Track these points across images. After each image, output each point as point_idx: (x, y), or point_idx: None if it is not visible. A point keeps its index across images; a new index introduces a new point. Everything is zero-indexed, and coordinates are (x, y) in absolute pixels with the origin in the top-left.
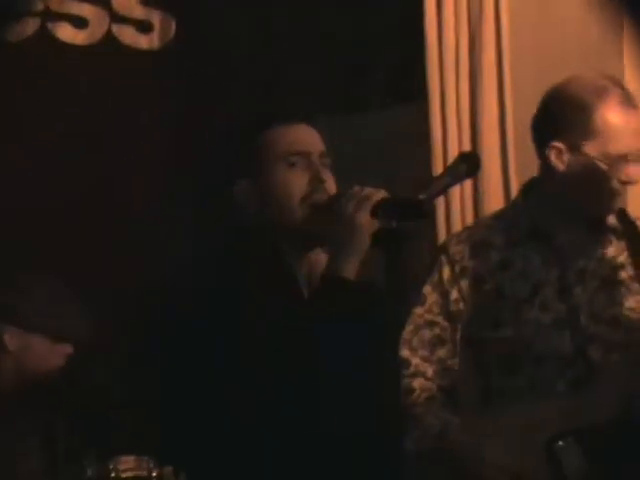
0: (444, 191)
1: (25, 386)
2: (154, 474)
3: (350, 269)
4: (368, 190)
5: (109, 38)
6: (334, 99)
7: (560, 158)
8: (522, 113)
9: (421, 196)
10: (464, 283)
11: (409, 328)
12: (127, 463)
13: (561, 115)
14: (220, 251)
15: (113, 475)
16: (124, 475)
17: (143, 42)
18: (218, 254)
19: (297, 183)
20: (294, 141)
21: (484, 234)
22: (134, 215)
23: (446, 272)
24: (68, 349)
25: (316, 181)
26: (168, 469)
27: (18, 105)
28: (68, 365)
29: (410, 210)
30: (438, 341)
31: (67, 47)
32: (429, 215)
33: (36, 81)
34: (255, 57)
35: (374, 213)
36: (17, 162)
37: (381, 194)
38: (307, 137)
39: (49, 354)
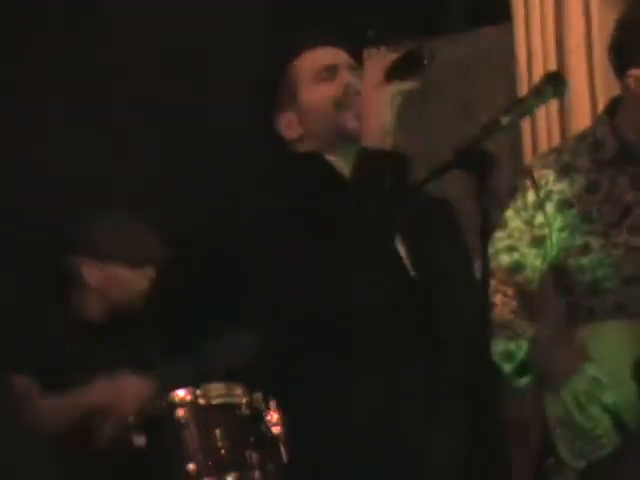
0: (529, 112)
1: (114, 314)
2: (244, 401)
3: (370, 139)
4: (372, 63)
5: None
6: (415, 23)
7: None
8: (609, 30)
9: (506, 117)
10: (549, 207)
11: (488, 251)
12: (217, 389)
13: (634, 42)
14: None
15: (203, 402)
16: (214, 402)
17: None
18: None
19: (329, 94)
20: (318, 58)
21: (569, 157)
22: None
23: (530, 196)
24: (150, 272)
25: (346, 87)
26: (257, 395)
27: (106, 39)
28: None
29: (414, 60)
30: (517, 266)
31: None
32: (433, 58)
33: (115, 18)
34: None
35: (389, 79)
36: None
37: (387, 59)
38: (332, 53)
39: (131, 280)
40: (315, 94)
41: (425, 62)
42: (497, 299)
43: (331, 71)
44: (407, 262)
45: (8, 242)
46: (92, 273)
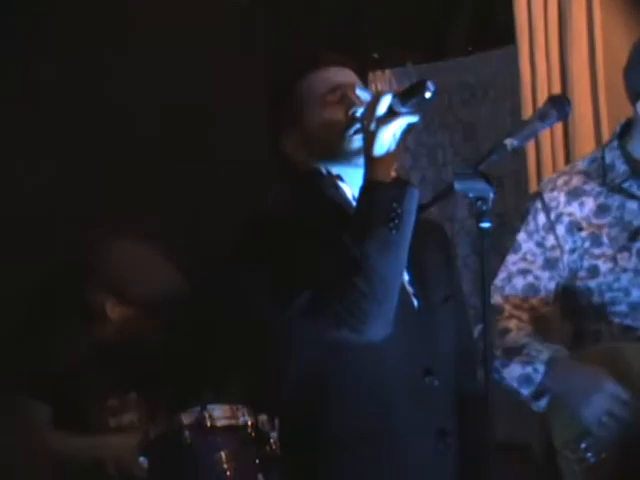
0: (534, 135)
1: (124, 345)
2: (249, 423)
3: (375, 172)
4: (376, 96)
5: None
6: (419, 47)
7: None
8: (613, 54)
9: (510, 140)
10: (560, 230)
11: (501, 275)
12: (223, 411)
13: None
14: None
15: (208, 424)
16: (219, 424)
17: None
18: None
19: (335, 117)
20: (326, 80)
21: (580, 180)
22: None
23: (541, 219)
24: (171, 312)
25: (353, 112)
26: (262, 417)
27: (108, 53)
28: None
29: (418, 93)
30: (531, 289)
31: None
32: (437, 91)
33: (126, 30)
34: (341, 8)
35: (392, 112)
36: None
37: (390, 92)
38: (338, 74)
39: (149, 328)
40: (321, 117)
41: (429, 96)
42: (512, 324)
43: (337, 92)
44: (410, 289)
45: (28, 266)
46: (115, 310)
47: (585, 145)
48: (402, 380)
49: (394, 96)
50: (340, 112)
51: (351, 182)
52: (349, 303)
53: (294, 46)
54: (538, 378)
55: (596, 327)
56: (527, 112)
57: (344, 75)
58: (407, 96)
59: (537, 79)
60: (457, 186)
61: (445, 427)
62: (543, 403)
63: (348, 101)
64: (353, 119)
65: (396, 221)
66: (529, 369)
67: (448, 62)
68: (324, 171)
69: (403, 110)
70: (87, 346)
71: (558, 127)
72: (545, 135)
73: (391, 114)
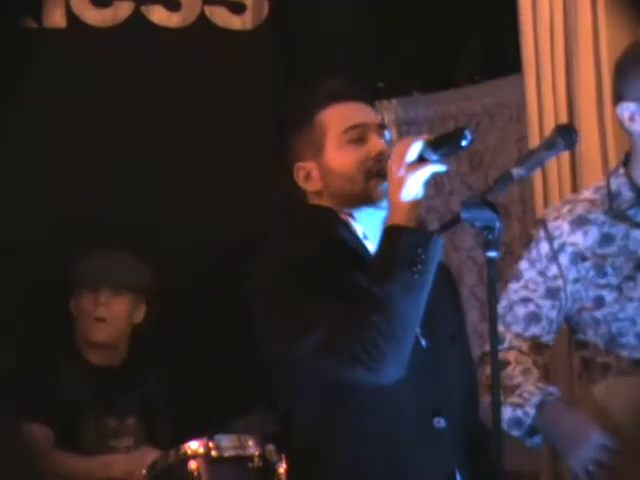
0: (541, 165)
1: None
2: (256, 453)
3: (400, 217)
4: (405, 140)
5: (202, 20)
6: (426, 76)
7: (633, 119)
8: None
9: (517, 170)
10: (563, 259)
11: (503, 303)
12: (230, 442)
13: (623, 77)
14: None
15: (215, 454)
16: (227, 454)
17: (236, 23)
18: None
19: (359, 160)
20: (347, 116)
21: (584, 209)
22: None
23: (544, 248)
24: (128, 301)
25: (377, 155)
26: (270, 447)
27: (112, 88)
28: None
29: (454, 139)
30: (533, 317)
31: (161, 30)
32: (473, 136)
33: (130, 64)
34: (348, 37)
35: (423, 158)
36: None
37: (422, 138)
38: (360, 111)
39: (115, 305)
40: (344, 157)
41: (465, 144)
42: (511, 356)
43: (360, 132)
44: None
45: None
46: (75, 302)
47: (592, 173)
48: (411, 422)
49: (425, 142)
50: (364, 154)
51: (361, 221)
52: (367, 341)
53: (300, 76)
54: (528, 422)
55: (604, 359)
56: (534, 140)
57: (367, 113)
58: (440, 144)
59: (544, 107)
60: (464, 215)
61: (454, 470)
62: (537, 440)
63: (373, 144)
64: (378, 162)
65: (419, 266)
66: (519, 412)
67: (454, 91)
68: (335, 207)
69: (434, 158)
70: (80, 367)
71: (565, 155)
72: (552, 163)
73: (421, 160)
